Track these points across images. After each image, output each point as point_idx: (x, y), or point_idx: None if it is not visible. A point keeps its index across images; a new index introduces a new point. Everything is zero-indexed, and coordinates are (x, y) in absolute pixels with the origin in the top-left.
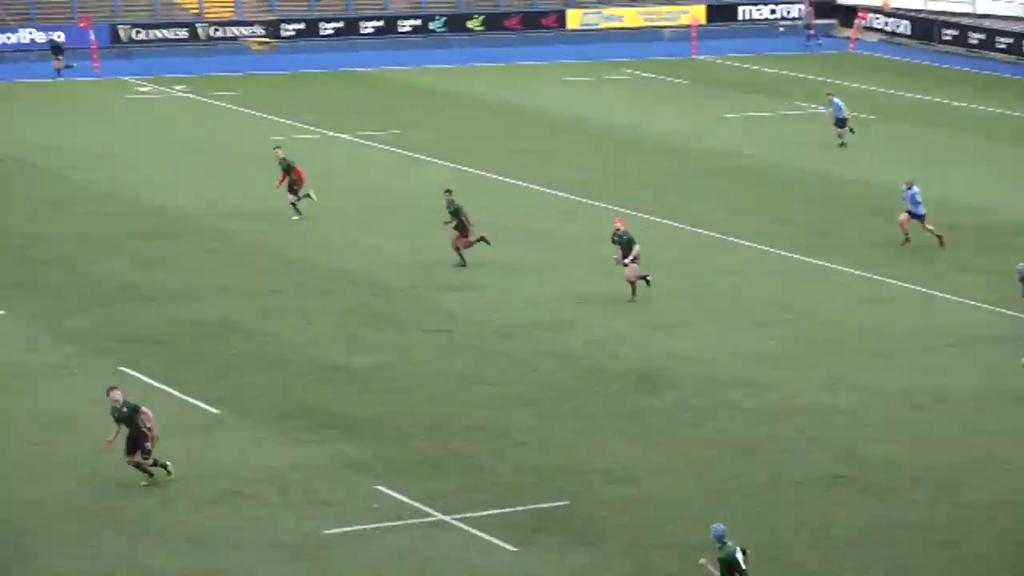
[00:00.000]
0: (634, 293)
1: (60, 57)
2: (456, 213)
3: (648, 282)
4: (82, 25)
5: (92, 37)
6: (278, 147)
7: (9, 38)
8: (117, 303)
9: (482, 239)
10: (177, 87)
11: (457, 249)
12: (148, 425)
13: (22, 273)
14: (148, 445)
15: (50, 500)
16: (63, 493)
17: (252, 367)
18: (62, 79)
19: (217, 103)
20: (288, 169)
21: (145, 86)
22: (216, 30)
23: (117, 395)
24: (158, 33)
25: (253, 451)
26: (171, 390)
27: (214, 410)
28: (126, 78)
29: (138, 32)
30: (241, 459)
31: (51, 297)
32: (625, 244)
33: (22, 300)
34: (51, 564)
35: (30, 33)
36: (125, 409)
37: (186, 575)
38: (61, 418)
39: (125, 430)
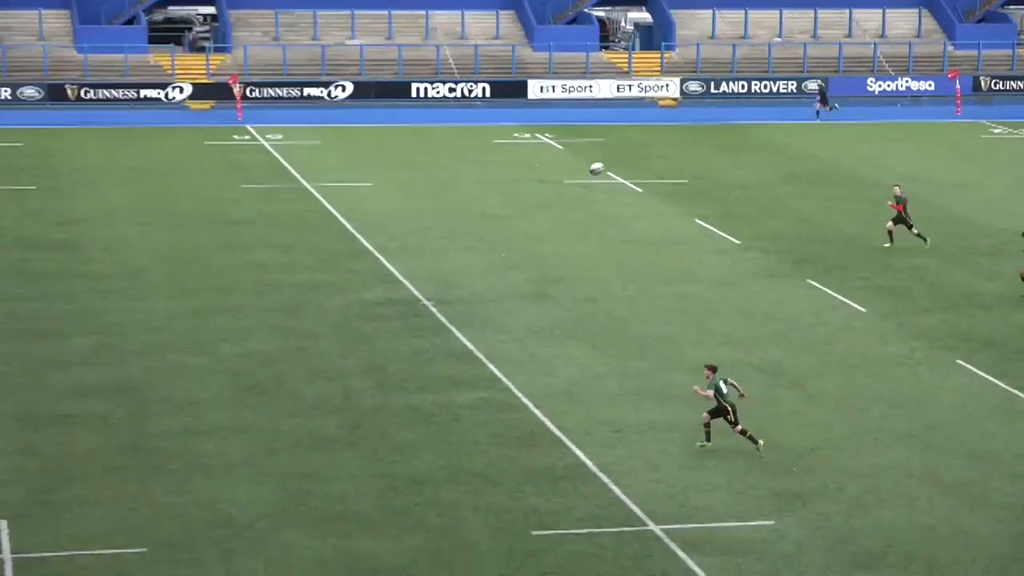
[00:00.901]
0: None
1: (823, 101)
2: None
3: None
4: (950, 76)
5: (958, 86)
6: (897, 185)
7: (888, 86)
8: (961, 308)
9: None
10: None
11: None
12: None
13: (883, 279)
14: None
15: (900, 464)
16: (900, 461)
17: None
18: (820, 121)
19: None
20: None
21: (998, 128)
22: None
23: (708, 374)
24: (1013, 84)
25: None
26: (998, 382)
27: None
28: (983, 121)
29: (996, 83)
30: None
31: (905, 299)
32: None
33: (880, 301)
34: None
35: (906, 82)
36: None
37: None
38: (903, 397)
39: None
